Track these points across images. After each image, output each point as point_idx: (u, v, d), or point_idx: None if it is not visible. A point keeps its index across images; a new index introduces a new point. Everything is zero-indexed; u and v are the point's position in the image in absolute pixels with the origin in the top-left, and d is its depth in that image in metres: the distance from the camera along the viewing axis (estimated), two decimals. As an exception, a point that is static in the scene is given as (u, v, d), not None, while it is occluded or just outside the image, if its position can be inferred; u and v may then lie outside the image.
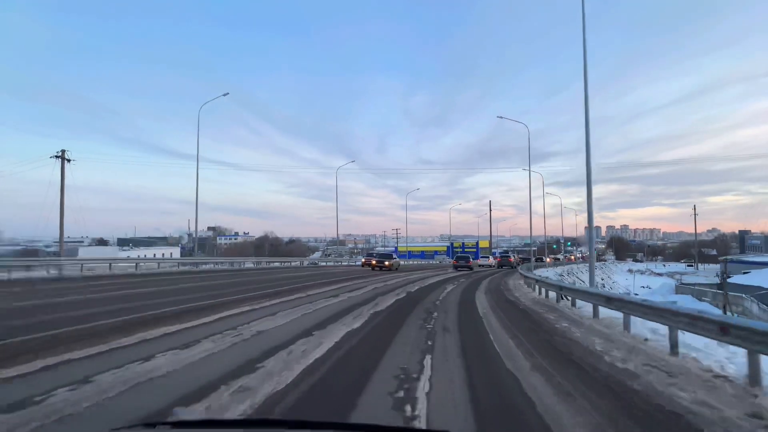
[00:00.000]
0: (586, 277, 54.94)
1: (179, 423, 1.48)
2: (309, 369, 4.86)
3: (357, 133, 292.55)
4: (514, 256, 56.25)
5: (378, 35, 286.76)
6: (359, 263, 43.74)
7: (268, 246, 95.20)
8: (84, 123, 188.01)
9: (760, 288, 33.96)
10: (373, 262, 35.79)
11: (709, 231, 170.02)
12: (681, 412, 3.79)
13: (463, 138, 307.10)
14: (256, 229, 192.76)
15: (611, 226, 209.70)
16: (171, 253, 64.67)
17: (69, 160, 28.90)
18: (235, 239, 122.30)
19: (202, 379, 4.31)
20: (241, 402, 3.67)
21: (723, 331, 5.12)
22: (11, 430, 2.98)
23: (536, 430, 3.36)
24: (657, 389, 4.45)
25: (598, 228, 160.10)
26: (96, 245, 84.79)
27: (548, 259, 67.10)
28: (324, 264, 49.46)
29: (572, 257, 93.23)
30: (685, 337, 6.45)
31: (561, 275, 38.41)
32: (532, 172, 37.35)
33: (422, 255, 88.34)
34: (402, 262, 45.85)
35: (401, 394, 4.07)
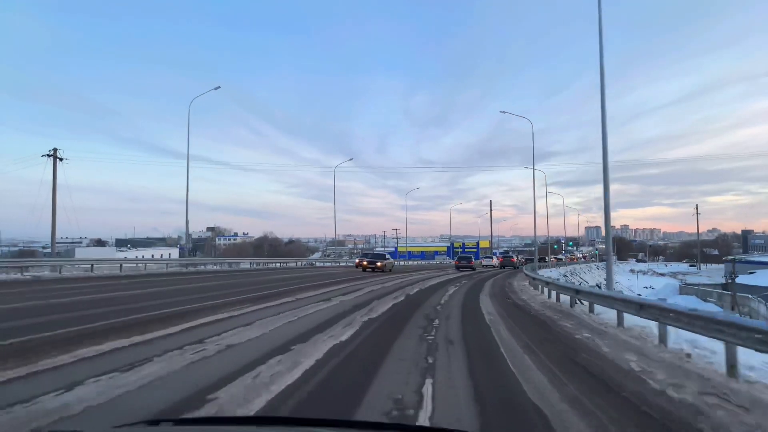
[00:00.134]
0: (589, 277, 53.93)
1: (182, 420, 1.70)
2: (272, 403, 3.71)
3: (357, 132, 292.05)
4: (516, 257, 55.42)
5: (379, 35, 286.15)
6: None
7: (267, 246, 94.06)
8: (84, 123, 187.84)
9: (766, 288, 32.74)
10: (364, 263, 32.21)
11: (709, 231, 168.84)
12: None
13: (464, 138, 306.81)
14: (255, 229, 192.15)
15: (612, 226, 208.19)
16: (170, 254, 63.24)
17: (61, 159, 27.77)
18: (234, 240, 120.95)
19: (125, 418, 3.09)
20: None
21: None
22: None
23: None
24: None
25: (598, 228, 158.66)
26: (94, 246, 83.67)
27: (552, 260, 66.27)
28: (322, 264, 48.27)
29: (574, 257, 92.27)
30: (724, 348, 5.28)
31: (564, 275, 37.26)
32: (534, 171, 36.24)
33: (422, 255, 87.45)
34: (401, 263, 44.58)
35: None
